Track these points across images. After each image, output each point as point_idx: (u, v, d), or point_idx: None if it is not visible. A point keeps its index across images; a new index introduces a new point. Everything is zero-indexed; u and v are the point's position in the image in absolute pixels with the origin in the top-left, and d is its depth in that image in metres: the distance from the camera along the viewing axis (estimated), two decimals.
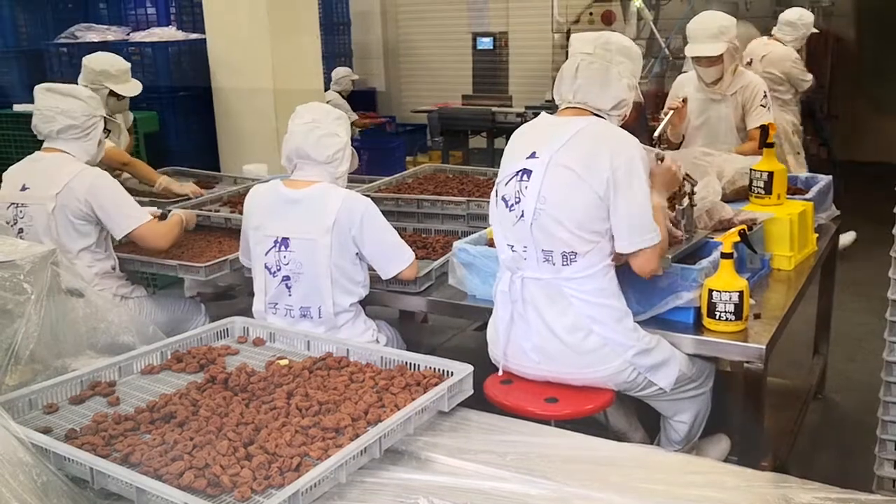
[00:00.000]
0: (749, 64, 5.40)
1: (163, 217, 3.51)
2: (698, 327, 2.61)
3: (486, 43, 8.39)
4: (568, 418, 2.50)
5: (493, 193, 2.65)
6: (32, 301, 2.25)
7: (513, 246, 2.55)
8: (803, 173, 4.20)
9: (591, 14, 7.50)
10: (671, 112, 4.06)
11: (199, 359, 2.38)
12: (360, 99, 8.92)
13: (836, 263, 3.78)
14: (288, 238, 2.85)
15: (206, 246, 3.62)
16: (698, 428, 2.78)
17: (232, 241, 3.53)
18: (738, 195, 3.44)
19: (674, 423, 2.75)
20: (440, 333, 4.30)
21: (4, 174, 3.35)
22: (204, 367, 2.35)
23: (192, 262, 3.31)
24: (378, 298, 3.05)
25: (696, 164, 3.37)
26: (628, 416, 2.94)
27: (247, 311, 2.90)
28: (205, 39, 5.99)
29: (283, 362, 2.35)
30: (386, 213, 2.99)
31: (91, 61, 4.47)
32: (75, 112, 3.27)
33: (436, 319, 4.49)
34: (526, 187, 2.48)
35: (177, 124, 5.94)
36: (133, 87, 4.54)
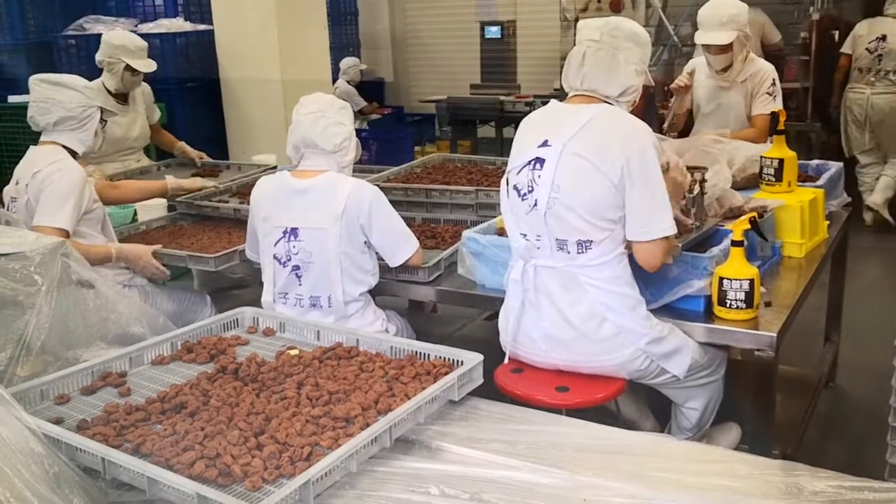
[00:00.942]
0: None
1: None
2: (709, 315, 2.60)
3: (493, 32, 8.37)
4: (579, 407, 2.49)
5: (503, 182, 2.64)
6: (43, 292, 2.26)
7: (526, 235, 2.54)
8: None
9: (598, 1, 7.46)
10: (677, 97, 4.05)
11: (209, 349, 2.38)
12: (368, 89, 8.92)
13: (848, 251, 3.76)
14: (297, 228, 2.85)
15: (215, 237, 3.63)
16: (710, 416, 2.78)
17: (241, 232, 3.52)
18: (748, 183, 3.42)
19: (685, 410, 2.74)
20: (450, 323, 4.30)
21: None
22: (214, 357, 2.35)
23: (201, 253, 3.31)
24: (388, 288, 3.05)
25: (706, 151, 3.35)
26: (639, 404, 2.93)
27: (256, 303, 2.91)
28: (213, 30, 5.99)
29: (294, 352, 2.35)
30: (395, 203, 2.99)
31: (110, 36, 4.61)
32: (71, 103, 3.24)
33: (445, 309, 4.49)
34: (539, 176, 2.47)
35: (185, 115, 5.93)
36: (149, 65, 4.63)
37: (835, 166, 3.70)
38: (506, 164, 2.65)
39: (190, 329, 2.51)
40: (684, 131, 4.30)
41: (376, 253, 2.94)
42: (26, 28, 6.68)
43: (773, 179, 3.29)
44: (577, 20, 7.33)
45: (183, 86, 5.93)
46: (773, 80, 4.14)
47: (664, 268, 2.56)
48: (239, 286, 4.42)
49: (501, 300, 2.73)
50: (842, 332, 3.97)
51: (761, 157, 3.35)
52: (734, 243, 2.54)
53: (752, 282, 2.51)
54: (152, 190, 3.96)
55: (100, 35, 4.81)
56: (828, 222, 3.33)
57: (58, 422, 1.99)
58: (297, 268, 2.86)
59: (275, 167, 4.59)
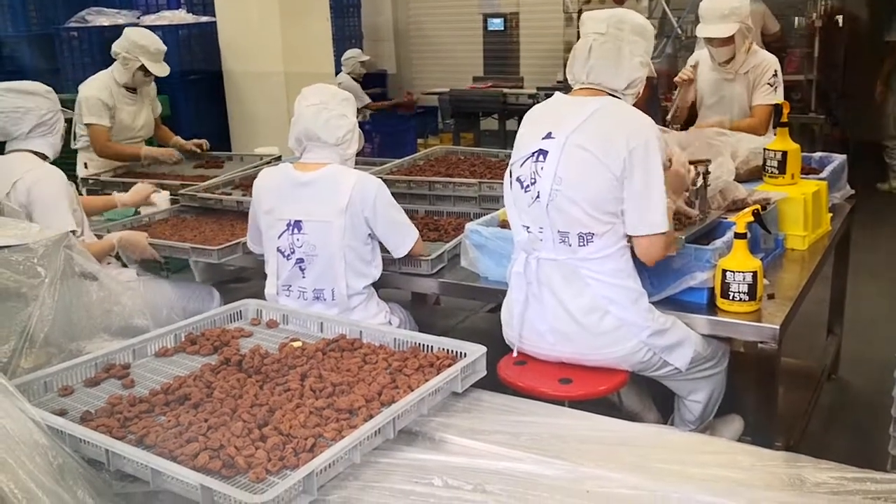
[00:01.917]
0: None
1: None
2: (712, 308, 2.60)
3: (496, 24, 8.35)
4: (582, 399, 2.49)
5: (506, 174, 2.64)
6: (46, 284, 2.26)
7: (528, 227, 2.54)
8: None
9: None
10: (681, 89, 4.05)
11: (212, 341, 2.39)
12: (370, 81, 8.90)
13: (851, 244, 3.76)
14: (301, 221, 2.85)
15: (218, 229, 3.62)
16: (712, 408, 2.78)
17: (244, 225, 3.51)
18: (751, 175, 3.42)
19: (688, 402, 2.74)
20: (452, 315, 4.30)
21: None
22: (218, 349, 2.36)
23: (204, 245, 3.32)
24: (390, 281, 3.05)
25: (710, 143, 3.34)
26: (641, 396, 2.93)
27: (259, 295, 2.91)
28: (215, 22, 5.98)
29: (297, 344, 2.35)
30: (397, 196, 2.99)
31: (134, 33, 4.64)
32: (42, 109, 3.22)
33: (448, 301, 4.48)
34: (542, 168, 2.47)
35: (188, 108, 5.94)
36: (163, 69, 4.68)
37: (838, 158, 3.69)
38: (509, 156, 2.65)
39: (193, 321, 2.51)
40: (687, 123, 4.29)
41: (379, 245, 2.94)
42: (28, 20, 6.69)
43: (777, 172, 3.29)
44: (580, 12, 7.32)
45: (185, 78, 5.93)
46: (775, 71, 4.13)
47: (667, 260, 2.56)
48: (240, 279, 4.43)
49: (504, 292, 2.73)
50: (844, 325, 3.97)
51: (765, 149, 3.34)
52: (737, 235, 2.54)
53: (755, 274, 2.51)
54: (103, 206, 3.95)
55: (102, 27, 4.83)
56: (831, 215, 3.33)
57: (61, 413, 1.99)
58: (300, 260, 2.86)
59: (279, 157, 4.60)
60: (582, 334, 2.52)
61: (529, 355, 2.67)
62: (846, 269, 3.83)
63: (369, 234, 2.88)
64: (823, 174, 3.46)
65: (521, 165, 2.54)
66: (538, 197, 2.47)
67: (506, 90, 7.78)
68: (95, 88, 4.56)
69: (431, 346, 2.26)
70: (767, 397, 2.60)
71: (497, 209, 3.26)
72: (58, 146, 3.32)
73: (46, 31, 6.45)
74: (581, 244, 2.46)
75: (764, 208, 2.86)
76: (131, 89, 4.67)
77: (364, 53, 8.72)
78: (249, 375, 2.16)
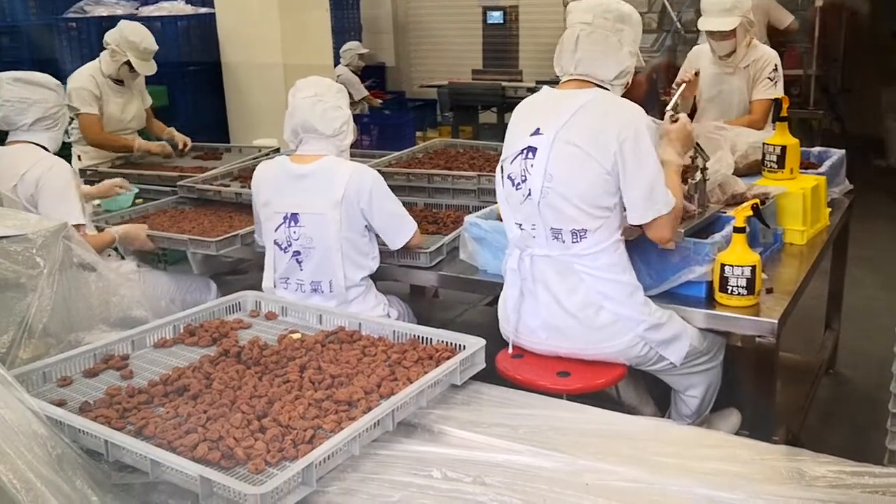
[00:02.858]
0: None
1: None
2: (710, 301, 2.60)
3: (496, 17, 8.34)
4: (579, 392, 2.50)
5: (497, 171, 2.63)
6: (45, 275, 2.26)
7: (521, 224, 2.53)
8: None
9: None
10: (683, 85, 4.03)
11: (211, 332, 2.39)
12: (369, 74, 8.90)
13: (849, 238, 3.76)
14: (297, 213, 2.84)
15: (216, 221, 3.62)
16: (709, 402, 2.78)
17: (242, 217, 3.52)
18: (750, 169, 3.42)
19: (685, 397, 2.74)
20: (451, 308, 4.30)
21: None
22: (216, 340, 2.36)
23: (202, 237, 3.31)
24: (389, 273, 3.05)
25: (709, 138, 3.34)
26: (639, 390, 2.94)
27: (257, 287, 2.90)
28: (214, 14, 5.96)
29: (296, 336, 2.35)
30: (396, 188, 2.99)
31: (127, 28, 4.57)
32: (48, 102, 3.23)
33: (446, 294, 4.49)
34: (532, 165, 2.46)
35: (186, 99, 5.92)
36: (149, 68, 4.64)
37: (837, 153, 3.69)
38: (502, 151, 2.65)
39: (192, 312, 2.51)
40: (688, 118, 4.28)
41: (377, 237, 2.94)
42: (27, 10, 6.66)
43: (776, 166, 3.29)
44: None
45: (184, 69, 5.91)
46: (776, 65, 4.13)
47: (666, 253, 2.57)
48: (237, 271, 4.42)
49: (503, 286, 2.73)
50: (842, 320, 3.97)
51: (764, 143, 3.34)
52: (736, 230, 2.54)
53: (753, 268, 2.51)
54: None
55: (101, 18, 4.81)
56: (829, 209, 3.33)
57: (60, 404, 1.99)
58: (297, 253, 2.86)
59: (277, 149, 4.59)
60: (578, 329, 2.52)
61: (526, 350, 2.67)
62: (844, 263, 3.84)
63: (366, 226, 2.88)
64: (822, 169, 3.46)
65: (512, 162, 2.53)
66: (529, 194, 2.47)
67: (505, 83, 7.77)
68: (82, 79, 4.52)
69: (430, 339, 2.26)
70: (765, 392, 2.60)
71: (496, 202, 3.24)
72: (59, 141, 3.32)
73: (45, 21, 6.42)
74: (574, 240, 2.46)
75: (763, 203, 2.86)
76: (118, 81, 4.65)
77: (363, 46, 8.70)
78: (248, 367, 2.16)
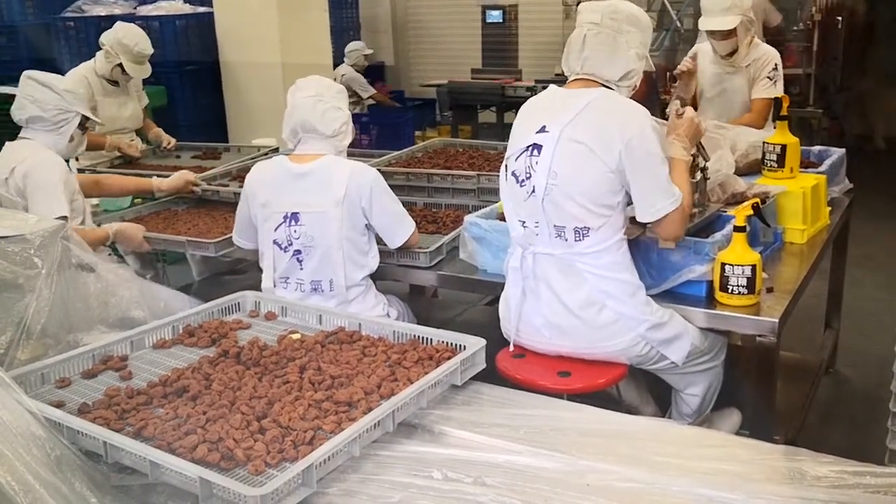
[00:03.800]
0: None
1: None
2: (711, 301, 2.60)
3: (495, 16, 8.33)
4: (580, 392, 2.49)
5: (502, 168, 2.63)
6: (43, 276, 2.25)
7: (524, 222, 2.53)
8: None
9: None
10: (681, 83, 4.05)
11: (210, 333, 2.38)
12: (368, 73, 8.88)
13: (849, 237, 3.76)
14: (298, 213, 2.84)
15: (211, 222, 3.61)
16: (710, 401, 2.78)
17: None
18: (750, 168, 3.42)
19: (685, 396, 2.74)
20: (450, 308, 4.29)
21: None
22: (216, 341, 2.35)
23: (200, 238, 3.30)
24: (389, 273, 3.05)
25: (709, 137, 3.32)
26: (639, 389, 2.93)
27: (256, 287, 2.90)
28: (212, 13, 5.96)
29: (296, 336, 2.35)
30: (396, 188, 2.98)
31: (122, 29, 4.56)
32: (47, 104, 3.22)
33: (446, 294, 4.48)
34: (536, 162, 2.46)
35: (185, 98, 5.92)
36: (142, 72, 4.65)
37: (837, 152, 3.69)
38: (507, 148, 2.64)
39: (191, 313, 2.50)
40: None
41: (376, 236, 2.94)
42: (25, 10, 6.66)
43: (776, 165, 3.28)
44: (578, 4, 7.30)
45: (183, 69, 5.91)
46: (776, 64, 4.12)
47: (666, 252, 2.56)
48: (234, 271, 4.40)
49: (503, 285, 2.72)
50: (842, 319, 3.97)
51: (764, 142, 3.34)
52: (736, 229, 2.53)
53: (753, 268, 2.51)
54: (136, 188, 3.89)
55: (99, 17, 4.80)
56: (829, 209, 3.32)
57: (59, 405, 1.98)
58: (298, 252, 2.86)
59: (276, 149, 4.58)
60: (580, 328, 2.51)
61: (527, 349, 2.66)
62: (844, 263, 3.83)
63: (366, 225, 2.88)
64: (822, 168, 3.45)
65: (517, 160, 2.53)
66: (533, 191, 2.47)
67: (504, 83, 7.77)
68: (73, 79, 4.39)
69: (431, 339, 2.25)
70: (766, 391, 2.60)
71: (495, 202, 3.25)
72: (61, 145, 3.28)
73: (43, 21, 6.42)
74: (577, 239, 2.46)
75: (763, 202, 2.85)
76: (113, 81, 4.64)
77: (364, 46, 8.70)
78: (248, 368, 2.15)
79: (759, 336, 2.49)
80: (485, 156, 4.01)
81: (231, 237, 3.22)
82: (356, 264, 2.88)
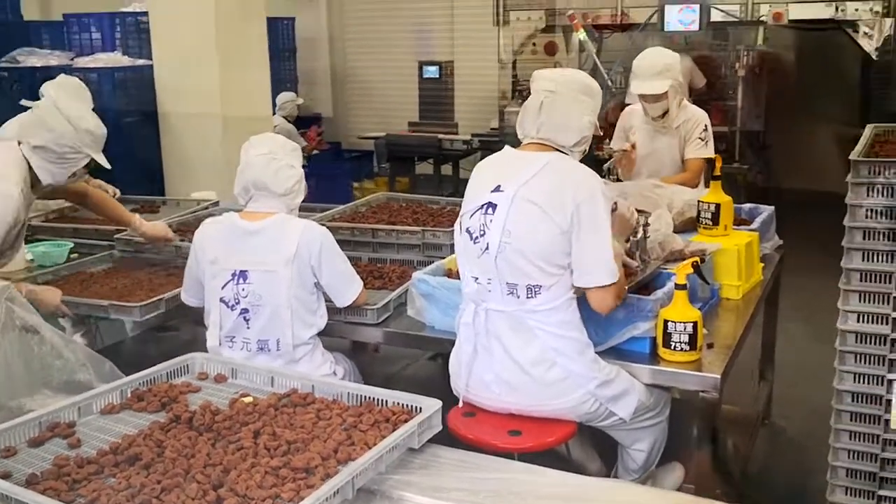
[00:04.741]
0: None
1: None
2: (654, 357, 2.67)
3: (431, 71, 8.47)
4: (531, 451, 2.52)
5: (457, 224, 2.68)
6: None
7: (477, 278, 2.58)
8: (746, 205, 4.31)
9: (534, 45, 7.61)
10: (619, 153, 4.16)
11: (160, 397, 2.33)
12: (306, 125, 8.91)
13: (780, 292, 3.89)
14: (246, 271, 2.82)
15: (153, 278, 3.54)
16: (656, 456, 2.83)
17: (179, 272, 3.41)
18: (686, 226, 3.52)
19: (632, 452, 2.79)
20: (393, 362, 4.28)
21: None
22: (166, 405, 2.30)
23: (123, 301, 3.19)
24: (334, 329, 3.04)
25: (647, 196, 3.44)
26: (585, 446, 2.97)
27: (192, 343, 2.84)
28: (152, 65, 5.92)
29: (248, 399, 2.31)
30: (341, 243, 2.99)
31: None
32: (62, 138, 3.03)
33: (386, 349, 4.46)
34: (491, 221, 2.51)
35: (122, 151, 5.83)
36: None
37: (766, 210, 3.82)
38: (450, 203, 2.70)
39: (139, 377, 2.44)
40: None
41: (323, 294, 2.94)
42: None
43: (711, 223, 3.40)
44: (514, 63, 7.49)
45: (120, 121, 5.83)
46: (706, 125, 4.28)
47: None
48: (167, 328, 4.30)
49: (451, 342, 2.75)
50: (775, 370, 4.09)
51: (699, 201, 3.46)
52: (678, 286, 2.62)
53: (695, 324, 2.59)
54: (117, 218, 3.72)
55: (34, 68, 4.70)
56: (762, 265, 3.45)
57: (6, 476, 1.92)
58: (245, 311, 2.83)
59: (216, 203, 4.54)
60: (530, 385, 2.55)
61: (477, 406, 2.68)
62: (776, 316, 3.96)
63: (315, 283, 2.88)
64: (754, 225, 3.58)
65: (471, 217, 2.58)
66: (487, 248, 2.52)
67: (441, 136, 7.88)
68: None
69: (386, 401, 2.25)
70: (708, 445, 2.66)
71: (441, 257, 3.29)
72: (60, 178, 3.10)
73: None
74: (529, 296, 2.51)
75: (702, 260, 2.95)
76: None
77: (299, 97, 8.72)
78: (201, 433, 2.12)
79: (703, 392, 2.56)
80: (428, 210, 4.04)
81: (158, 300, 3.16)
82: (304, 323, 2.87)
